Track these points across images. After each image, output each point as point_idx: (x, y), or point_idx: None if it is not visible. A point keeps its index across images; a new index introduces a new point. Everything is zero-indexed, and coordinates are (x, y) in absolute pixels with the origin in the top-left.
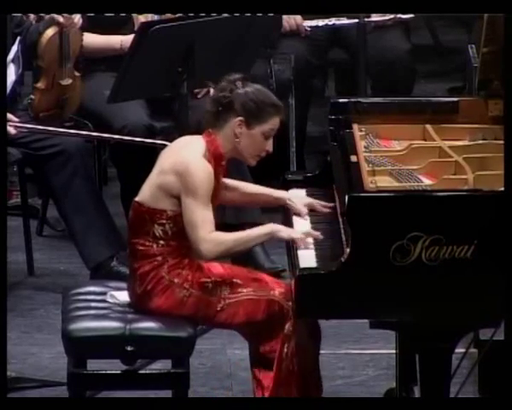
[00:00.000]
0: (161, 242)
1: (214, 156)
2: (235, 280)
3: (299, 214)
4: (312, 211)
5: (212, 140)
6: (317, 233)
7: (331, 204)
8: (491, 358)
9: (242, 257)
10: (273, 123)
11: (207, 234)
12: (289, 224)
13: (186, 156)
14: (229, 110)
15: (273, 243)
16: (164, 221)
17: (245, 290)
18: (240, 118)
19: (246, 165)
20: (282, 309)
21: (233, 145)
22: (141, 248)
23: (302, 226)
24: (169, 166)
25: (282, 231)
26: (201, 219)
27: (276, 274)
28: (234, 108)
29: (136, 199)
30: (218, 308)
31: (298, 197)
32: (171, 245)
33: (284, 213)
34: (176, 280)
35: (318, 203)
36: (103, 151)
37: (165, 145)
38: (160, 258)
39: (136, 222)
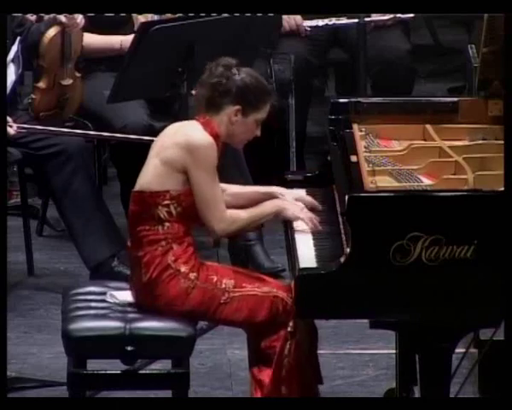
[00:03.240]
0: (166, 224)
1: (212, 136)
2: (239, 275)
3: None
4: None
5: (208, 121)
6: (317, 224)
7: (319, 207)
8: (491, 358)
9: (242, 257)
10: (266, 110)
11: (221, 213)
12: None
13: (187, 132)
14: (226, 97)
15: (273, 243)
16: (168, 202)
17: (249, 286)
18: (237, 107)
19: (245, 164)
20: (285, 306)
21: (226, 130)
22: (146, 233)
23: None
24: (170, 143)
25: (288, 209)
26: (213, 197)
27: (276, 274)
28: (230, 96)
29: (136, 189)
30: (222, 301)
31: (288, 193)
32: (175, 228)
33: None
34: (182, 269)
35: (309, 201)
36: (103, 151)
37: None
38: (164, 243)
39: (139, 210)
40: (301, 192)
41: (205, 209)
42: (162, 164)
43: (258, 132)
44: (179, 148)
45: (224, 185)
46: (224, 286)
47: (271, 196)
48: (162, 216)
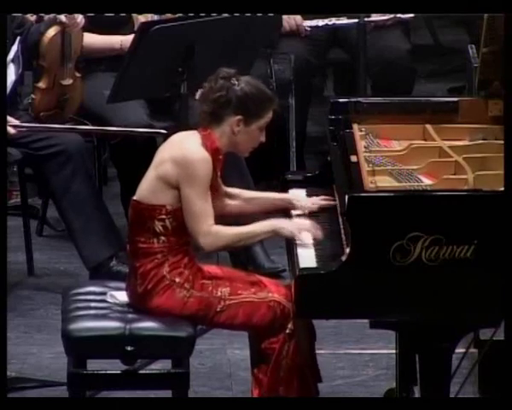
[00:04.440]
0: (162, 237)
1: (211, 150)
2: (235, 283)
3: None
4: (312, 212)
5: (208, 134)
6: (319, 233)
7: (331, 199)
8: (491, 358)
9: (242, 257)
10: (268, 116)
11: (208, 227)
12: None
13: (184, 146)
14: (227, 108)
15: (273, 243)
16: (164, 216)
17: (245, 293)
18: (239, 117)
19: (245, 165)
20: (283, 310)
21: (230, 141)
22: (142, 245)
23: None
24: (167, 157)
25: (285, 228)
26: (201, 210)
27: (276, 274)
28: (231, 106)
29: (135, 198)
30: (218, 309)
31: (301, 197)
32: (171, 241)
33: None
34: (177, 280)
35: (321, 198)
36: (103, 151)
37: (162, 134)
38: (160, 256)
39: (136, 220)
40: (314, 198)
41: (192, 222)
42: (157, 178)
43: (263, 138)
44: (173, 162)
45: (237, 190)
46: (219, 294)
47: (286, 202)
48: (158, 230)
